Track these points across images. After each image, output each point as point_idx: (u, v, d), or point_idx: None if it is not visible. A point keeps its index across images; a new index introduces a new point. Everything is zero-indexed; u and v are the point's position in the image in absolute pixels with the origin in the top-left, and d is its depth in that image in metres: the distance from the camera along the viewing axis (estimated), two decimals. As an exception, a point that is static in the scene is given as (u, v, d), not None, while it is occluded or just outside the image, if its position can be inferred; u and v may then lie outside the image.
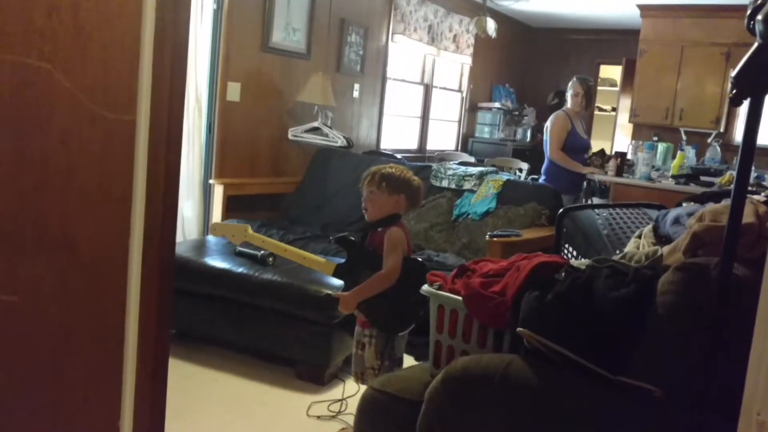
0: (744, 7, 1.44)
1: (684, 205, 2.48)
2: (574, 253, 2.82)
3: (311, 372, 3.32)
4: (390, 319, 2.64)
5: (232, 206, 4.75)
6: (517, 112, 8.88)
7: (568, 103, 5.47)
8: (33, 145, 1.22)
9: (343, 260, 2.75)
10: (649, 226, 2.34)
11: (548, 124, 5.49)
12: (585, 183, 6.38)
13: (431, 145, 7.88)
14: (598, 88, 9.61)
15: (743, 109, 1.38)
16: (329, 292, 3.13)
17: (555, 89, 9.21)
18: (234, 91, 4.85)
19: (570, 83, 5.50)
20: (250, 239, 2.77)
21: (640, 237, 2.32)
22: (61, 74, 1.23)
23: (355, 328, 2.73)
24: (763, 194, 4.39)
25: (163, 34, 1.38)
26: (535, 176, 6.27)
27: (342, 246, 2.77)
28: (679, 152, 6.36)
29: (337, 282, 2.92)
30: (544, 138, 5.57)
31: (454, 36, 7.66)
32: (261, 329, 3.43)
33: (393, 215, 2.68)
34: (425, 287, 2.20)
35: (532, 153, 8.14)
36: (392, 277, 2.59)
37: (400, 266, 2.60)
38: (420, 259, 2.77)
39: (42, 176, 1.24)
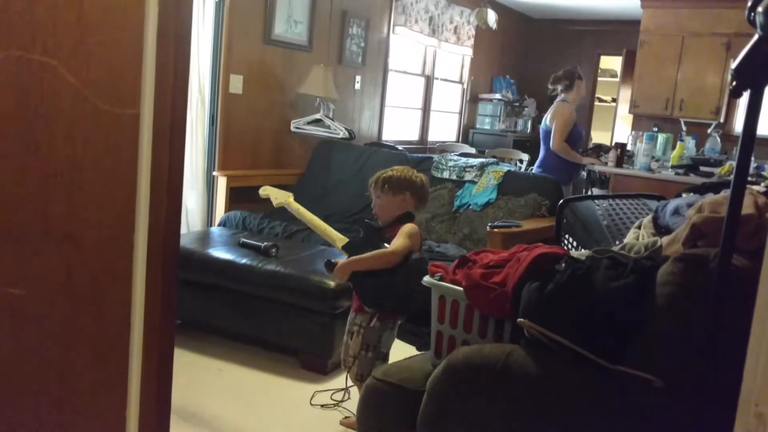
0: (745, -2, 1.44)
1: (683, 195, 2.49)
2: (574, 243, 2.84)
3: (314, 361, 3.34)
4: (376, 298, 2.65)
5: (235, 198, 4.77)
6: (517, 104, 8.88)
7: (571, 95, 5.38)
8: (38, 140, 1.23)
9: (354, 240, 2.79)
10: (649, 217, 2.35)
11: (553, 114, 5.33)
12: (585, 173, 6.38)
13: (432, 137, 7.88)
14: (599, 79, 9.61)
15: (743, 100, 1.39)
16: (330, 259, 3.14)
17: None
18: (236, 84, 4.86)
19: (572, 69, 5.44)
20: (288, 206, 2.93)
21: (639, 228, 2.34)
22: (65, 69, 1.24)
23: (349, 315, 2.76)
24: (762, 185, 4.41)
25: (165, 27, 1.39)
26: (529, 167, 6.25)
27: (361, 227, 2.81)
28: (678, 143, 6.35)
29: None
30: (543, 128, 5.48)
31: (455, 27, 7.65)
32: (264, 319, 3.45)
33: (405, 214, 2.71)
34: (426, 278, 2.21)
35: (532, 144, 8.13)
36: (391, 258, 2.60)
37: (403, 254, 2.61)
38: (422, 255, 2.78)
39: (47, 171, 1.25)
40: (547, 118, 5.42)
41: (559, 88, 5.35)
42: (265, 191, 3.03)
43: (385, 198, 2.71)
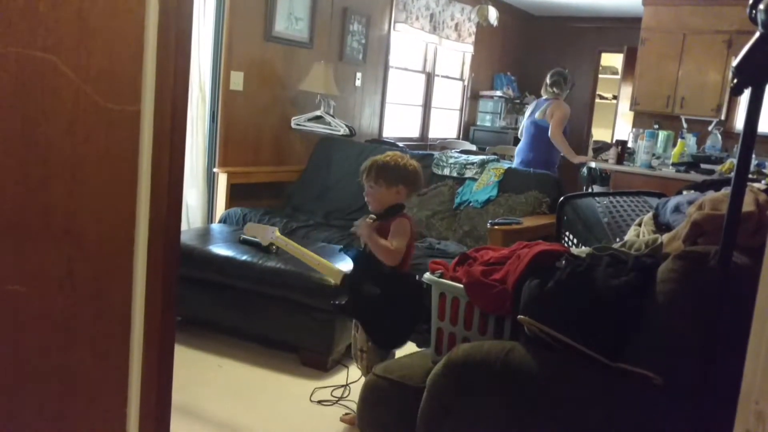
0: (746, -4, 1.44)
1: (684, 193, 2.49)
2: (575, 241, 2.84)
3: (315, 358, 3.34)
4: (388, 337, 2.70)
5: (235, 195, 4.77)
6: (518, 101, 8.86)
7: (564, 95, 5.58)
8: (38, 136, 1.23)
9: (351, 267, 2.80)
10: (650, 214, 2.35)
11: (552, 109, 5.48)
12: (585, 171, 6.40)
13: (433, 134, 7.88)
14: (600, 76, 9.60)
15: (744, 97, 1.38)
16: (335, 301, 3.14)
17: (556, 77, 9.19)
18: (237, 81, 4.86)
19: (567, 74, 5.62)
20: (275, 241, 2.91)
21: (640, 225, 2.34)
22: (65, 66, 1.24)
23: None
24: (763, 182, 4.40)
25: (166, 24, 1.39)
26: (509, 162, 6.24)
27: (350, 258, 2.79)
28: (679, 140, 6.35)
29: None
30: (537, 123, 5.57)
31: (456, 24, 7.64)
32: (265, 316, 3.45)
33: (396, 205, 2.69)
34: (427, 275, 2.22)
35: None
36: (396, 256, 2.60)
37: (404, 251, 2.61)
38: (418, 278, 2.77)
39: (47, 167, 1.25)
40: (541, 114, 5.55)
41: (557, 90, 5.57)
42: (252, 231, 3.02)
43: (378, 189, 2.67)
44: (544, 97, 5.65)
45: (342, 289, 2.86)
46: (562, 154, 5.62)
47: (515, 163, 5.59)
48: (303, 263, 3.40)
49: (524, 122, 5.82)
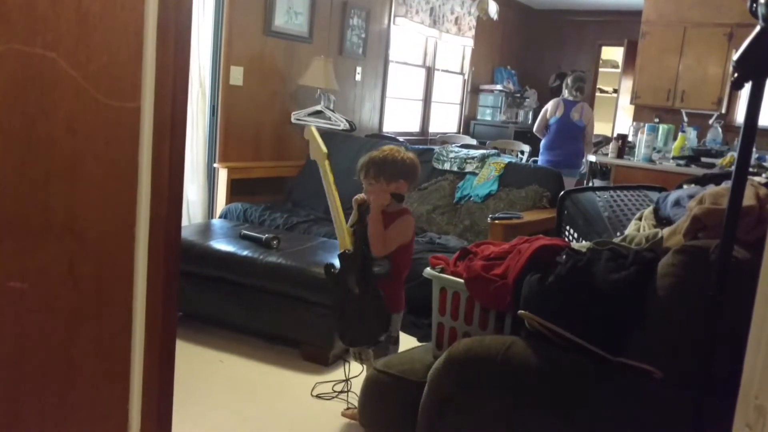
0: (746, -12, 1.44)
1: (685, 187, 2.49)
2: (575, 235, 2.84)
3: (316, 353, 3.34)
4: (353, 335, 2.74)
5: (236, 190, 4.77)
6: (518, 95, 8.85)
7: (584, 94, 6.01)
8: (39, 133, 1.23)
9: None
10: (650, 209, 2.35)
11: (589, 115, 6.03)
12: (587, 165, 6.45)
13: (433, 128, 7.87)
14: (600, 69, 9.59)
15: (745, 91, 1.38)
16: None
17: (556, 71, 9.18)
18: (237, 75, 4.85)
19: (586, 77, 5.96)
20: (321, 166, 2.66)
21: (640, 219, 2.34)
22: (65, 62, 1.24)
23: None
24: (763, 176, 4.40)
25: (166, 20, 1.39)
26: (535, 159, 6.36)
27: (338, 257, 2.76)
28: (680, 134, 6.35)
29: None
30: (574, 122, 5.97)
31: (456, 18, 7.62)
32: (266, 311, 3.45)
33: (396, 195, 2.66)
34: (428, 270, 2.22)
35: (533, 135, 8.13)
36: (383, 249, 2.61)
37: (393, 248, 2.62)
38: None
39: (48, 164, 1.25)
40: (578, 114, 5.95)
41: (580, 95, 6.03)
42: (312, 134, 2.69)
43: (379, 187, 2.64)
44: (570, 98, 6.01)
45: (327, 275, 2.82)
46: None
47: (542, 161, 5.80)
48: (304, 258, 3.42)
49: (551, 119, 6.09)
